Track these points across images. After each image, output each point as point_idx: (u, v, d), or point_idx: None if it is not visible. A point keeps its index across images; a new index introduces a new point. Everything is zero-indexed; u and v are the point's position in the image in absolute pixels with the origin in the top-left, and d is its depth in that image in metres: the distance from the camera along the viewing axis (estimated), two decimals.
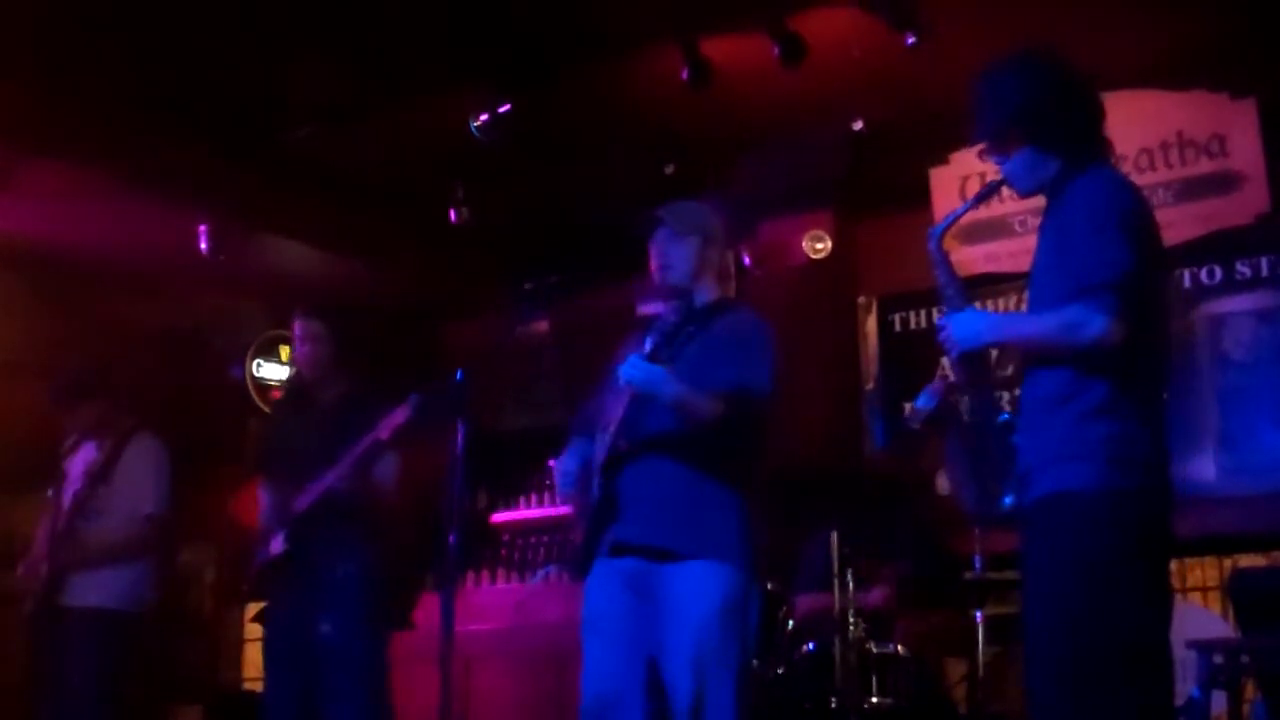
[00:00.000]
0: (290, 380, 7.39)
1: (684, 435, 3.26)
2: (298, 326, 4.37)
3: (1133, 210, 2.68)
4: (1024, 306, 3.09)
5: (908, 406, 3.08)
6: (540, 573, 6.46)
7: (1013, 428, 2.81)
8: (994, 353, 2.89)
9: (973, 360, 2.85)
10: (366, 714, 4.08)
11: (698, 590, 3.20)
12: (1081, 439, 2.62)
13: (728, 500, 3.29)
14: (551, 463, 3.49)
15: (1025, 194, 2.92)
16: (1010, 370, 2.89)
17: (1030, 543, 2.69)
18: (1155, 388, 2.70)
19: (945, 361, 6.26)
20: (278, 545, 4.15)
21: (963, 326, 2.83)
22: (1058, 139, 2.79)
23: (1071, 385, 2.64)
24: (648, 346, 3.27)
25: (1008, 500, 2.77)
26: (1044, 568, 2.63)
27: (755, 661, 4.42)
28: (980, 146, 2.90)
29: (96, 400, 4.86)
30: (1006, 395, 3.15)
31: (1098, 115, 2.83)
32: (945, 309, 2.93)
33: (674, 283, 3.44)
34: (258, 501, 4.38)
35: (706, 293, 3.47)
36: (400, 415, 3.96)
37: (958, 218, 3.10)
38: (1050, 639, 2.57)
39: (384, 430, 3.96)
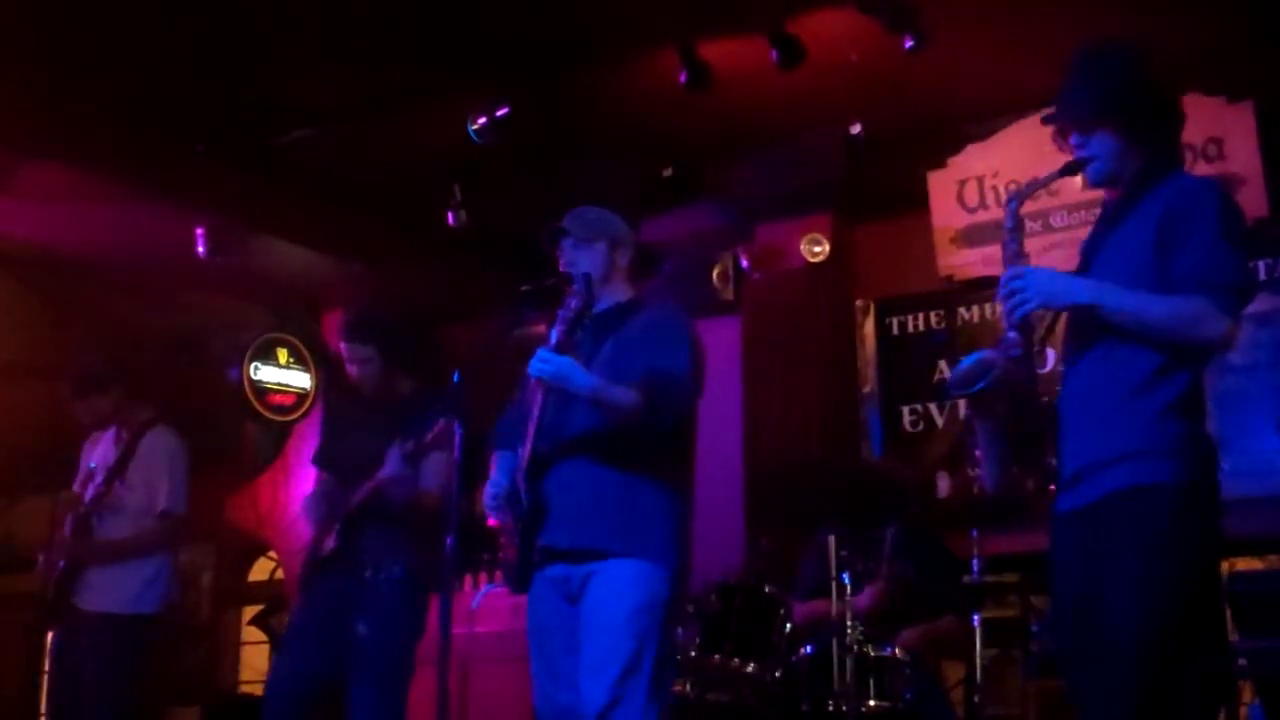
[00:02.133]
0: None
1: (607, 432, 3.18)
2: (344, 349, 4.27)
3: (1246, 224, 2.72)
4: None
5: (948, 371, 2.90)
6: (482, 591, 6.40)
7: (1055, 410, 2.70)
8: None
9: (1029, 326, 2.67)
10: (388, 717, 4.03)
11: (616, 591, 3.13)
12: (1164, 435, 2.56)
13: (655, 498, 3.22)
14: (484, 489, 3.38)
15: (1098, 181, 2.81)
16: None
17: (1101, 533, 2.58)
18: (1203, 386, 2.67)
19: (943, 364, 6.31)
20: (330, 542, 4.11)
21: (1051, 280, 2.64)
22: (1150, 133, 2.74)
23: (1156, 374, 2.58)
24: (553, 339, 3.21)
25: (1061, 497, 2.66)
26: (1132, 554, 2.52)
27: (735, 655, 4.37)
28: (1053, 122, 2.81)
29: (112, 393, 4.84)
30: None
31: (1181, 122, 2.82)
32: (1011, 262, 2.73)
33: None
34: (309, 495, 4.32)
35: (618, 295, 3.43)
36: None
37: (1042, 185, 2.94)
38: (1141, 622, 2.47)
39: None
